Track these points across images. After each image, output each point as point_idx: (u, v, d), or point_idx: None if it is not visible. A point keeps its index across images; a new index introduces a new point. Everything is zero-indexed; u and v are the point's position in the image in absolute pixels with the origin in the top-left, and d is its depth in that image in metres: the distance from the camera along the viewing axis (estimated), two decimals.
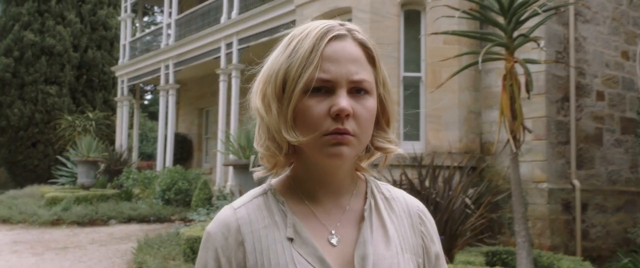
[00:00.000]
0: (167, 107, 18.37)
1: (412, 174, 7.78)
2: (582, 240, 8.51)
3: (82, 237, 11.24)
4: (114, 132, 22.14)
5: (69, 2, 25.31)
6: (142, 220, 13.47)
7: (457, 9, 6.74)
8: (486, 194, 7.97)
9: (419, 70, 9.32)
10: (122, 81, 21.32)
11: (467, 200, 7.02)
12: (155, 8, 36.52)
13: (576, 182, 8.58)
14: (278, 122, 1.09)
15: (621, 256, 7.14)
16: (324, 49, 1.08)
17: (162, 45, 18.52)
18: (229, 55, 15.28)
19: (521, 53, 7.93)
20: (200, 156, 21.42)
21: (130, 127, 23.17)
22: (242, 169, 8.65)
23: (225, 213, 1.17)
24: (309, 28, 1.12)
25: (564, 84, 8.75)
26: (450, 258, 6.45)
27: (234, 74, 14.95)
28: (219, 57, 15.60)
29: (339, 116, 1.05)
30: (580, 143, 8.91)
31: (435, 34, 6.67)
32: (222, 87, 15.36)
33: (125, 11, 21.28)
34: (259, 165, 1.20)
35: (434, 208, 6.75)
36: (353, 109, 1.07)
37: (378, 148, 1.19)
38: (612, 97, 9.62)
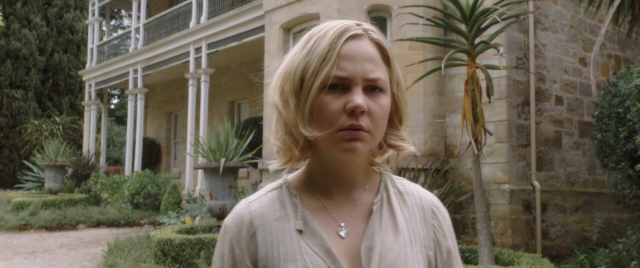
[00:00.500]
0: (135, 111, 18.35)
1: None
2: (542, 239, 8.83)
3: (50, 242, 11.22)
4: (81, 136, 22.01)
5: (35, 5, 25.07)
6: (111, 224, 13.47)
7: (422, 17, 6.98)
8: (450, 195, 8.23)
9: None
10: (90, 85, 21.20)
11: None
12: (123, 12, 36.29)
13: (536, 183, 8.91)
14: (295, 117, 1.14)
15: (578, 253, 7.46)
16: (341, 48, 1.13)
17: (131, 49, 18.51)
18: (198, 60, 15.37)
19: (483, 59, 8.24)
20: (169, 160, 21.40)
21: (98, 131, 23.03)
22: (213, 172, 8.78)
23: (241, 206, 1.23)
24: (326, 27, 1.17)
25: (524, 89, 9.07)
26: None
27: (203, 78, 15.04)
28: (188, 62, 15.68)
29: (354, 113, 1.10)
30: (540, 146, 9.25)
31: (401, 40, 6.89)
32: (191, 91, 15.43)
33: (93, 15, 21.19)
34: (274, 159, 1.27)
35: None
36: (368, 106, 1.11)
37: (390, 146, 1.23)
38: (570, 102, 9.99)
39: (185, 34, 15.67)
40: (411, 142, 1.24)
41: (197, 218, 9.84)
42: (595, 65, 10.50)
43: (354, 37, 1.15)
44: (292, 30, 10.62)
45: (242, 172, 15.60)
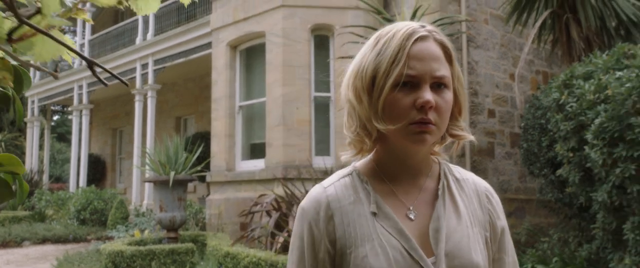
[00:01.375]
0: (80, 127, 18.28)
1: None
2: None
3: None
4: (24, 153, 21.67)
5: None
6: (58, 240, 13.44)
7: (361, 36, 7.47)
8: None
9: (328, 91, 10.02)
10: (33, 101, 20.96)
11: None
12: (67, 28, 35.83)
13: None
14: (369, 112, 1.25)
15: None
16: (410, 49, 1.22)
17: (75, 65, 18.46)
18: (144, 76, 15.51)
19: None
20: (114, 176, 21.31)
21: (40, 148, 22.72)
22: (162, 185, 9.01)
23: (317, 190, 1.33)
24: (394, 29, 1.26)
25: None
26: None
27: (149, 93, 15.19)
28: (134, 77, 15.79)
29: (424, 108, 1.20)
30: (474, 156, 9.85)
31: (342, 58, 7.37)
32: (137, 106, 15.55)
33: None
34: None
35: None
36: (435, 101, 1.21)
37: (452, 136, 1.34)
38: (502, 115, 10.65)
39: (132, 50, 15.80)
40: (469, 131, 1.35)
41: (146, 231, 10.03)
42: (525, 81, 11.22)
43: (421, 38, 1.24)
44: (239, 47, 10.97)
45: (188, 186, 15.77)
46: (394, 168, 1.31)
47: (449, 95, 1.25)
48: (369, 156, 1.35)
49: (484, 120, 10.21)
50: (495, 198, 1.39)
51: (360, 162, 1.35)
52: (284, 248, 7.38)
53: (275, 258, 6.99)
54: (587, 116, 5.51)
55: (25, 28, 0.88)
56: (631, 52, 5.75)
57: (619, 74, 5.27)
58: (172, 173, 8.81)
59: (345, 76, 1.32)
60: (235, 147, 10.59)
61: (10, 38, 0.89)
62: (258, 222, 8.50)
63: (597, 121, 5.24)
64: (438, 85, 1.23)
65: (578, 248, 6.59)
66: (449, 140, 1.35)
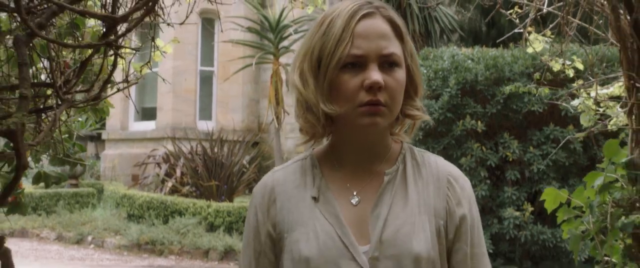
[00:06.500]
0: None
1: (206, 144, 10.36)
2: None
3: None
4: None
5: None
6: None
7: (242, 25, 9.45)
8: (257, 159, 10.81)
9: (212, 66, 11.94)
10: None
11: (244, 162, 9.80)
12: None
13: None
14: (315, 95, 1.19)
15: None
16: (355, 27, 1.16)
17: None
18: None
19: (288, 59, 10.92)
20: None
21: None
22: None
23: (267, 175, 1.32)
24: (340, 7, 1.20)
25: None
26: (230, 200, 9.20)
27: None
28: None
29: (372, 88, 1.15)
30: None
31: (225, 42, 9.34)
32: None
33: None
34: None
35: (220, 167, 9.43)
36: (384, 81, 1.15)
37: (407, 116, 1.26)
38: None
39: None
40: (425, 110, 1.28)
41: None
42: None
43: (367, 15, 1.18)
44: None
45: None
46: (347, 153, 1.27)
47: (400, 73, 1.19)
48: (327, 140, 1.31)
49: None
50: (460, 184, 1.28)
51: (318, 147, 1.32)
52: (172, 192, 9.31)
53: (164, 198, 8.91)
54: None
55: None
56: (432, 54, 8.11)
57: None
58: None
59: (293, 59, 1.28)
60: (129, 109, 12.24)
61: None
62: (150, 172, 10.30)
63: None
64: (388, 64, 1.17)
65: None
66: (408, 121, 1.29)
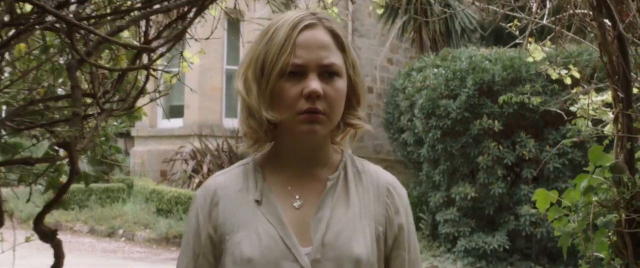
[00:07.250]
0: None
1: (232, 141, 10.65)
2: None
3: None
4: None
5: None
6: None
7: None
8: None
9: (238, 64, 12.19)
10: None
11: None
12: None
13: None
14: (258, 102, 1.23)
15: None
16: (297, 37, 1.21)
17: None
18: None
19: None
20: None
21: None
22: None
23: (210, 178, 1.35)
24: (284, 18, 1.25)
25: None
26: None
27: None
28: None
29: (311, 97, 1.19)
30: None
31: (250, 42, 9.56)
32: None
33: None
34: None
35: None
36: (324, 90, 1.20)
37: (348, 124, 1.32)
38: (379, 91, 13.18)
39: None
40: (367, 120, 1.34)
41: None
42: (400, 64, 13.80)
43: (309, 26, 1.23)
44: None
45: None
46: (288, 158, 1.31)
47: (340, 83, 1.24)
48: (270, 147, 1.33)
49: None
50: (398, 194, 1.35)
51: (260, 153, 1.35)
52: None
53: (192, 193, 9.21)
54: (415, 97, 8.04)
55: None
56: (451, 55, 8.29)
57: (435, 70, 7.79)
58: None
59: (239, 66, 1.31)
60: (157, 107, 12.59)
61: None
62: (177, 168, 10.63)
63: (420, 101, 7.76)
64: (328, 73, 1.22)
65: (413, 190, 9.19)
66: (350, 130, 1.34)
